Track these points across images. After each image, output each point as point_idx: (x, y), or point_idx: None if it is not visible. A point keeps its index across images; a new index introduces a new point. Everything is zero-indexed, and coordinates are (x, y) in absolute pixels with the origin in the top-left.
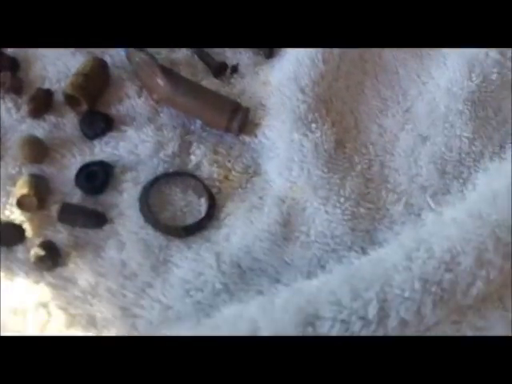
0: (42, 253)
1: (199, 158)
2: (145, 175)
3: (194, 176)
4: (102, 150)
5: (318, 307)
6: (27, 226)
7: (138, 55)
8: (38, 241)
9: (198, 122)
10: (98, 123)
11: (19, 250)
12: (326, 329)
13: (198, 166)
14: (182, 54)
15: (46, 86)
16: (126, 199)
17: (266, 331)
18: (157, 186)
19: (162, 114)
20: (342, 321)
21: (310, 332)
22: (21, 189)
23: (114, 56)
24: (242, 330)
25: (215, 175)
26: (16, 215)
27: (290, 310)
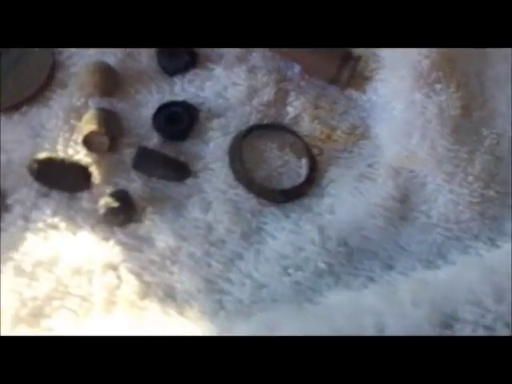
0: (113, 204)
1: (298, 110)
2: (235, 124)
3: (292, 131)
4: (184, 88)
5: (457, 307)
6: (94, 170)
7: None
8: (107, 189)
9: (297, 68)
10: (181, 57)
11: (84, 198)
12: (466, 333)
13: (296, 120)
14: None
15: None
16: (212, 150)
17: (394, 328)
18: (249, 139)
19: (253, 54)
20: (486, 326)
21: (447, 334)
22: (88, 124)
23: None
24: (364, 324)
25: (317, 133)
26: (81, 155)
27: (422, 306)
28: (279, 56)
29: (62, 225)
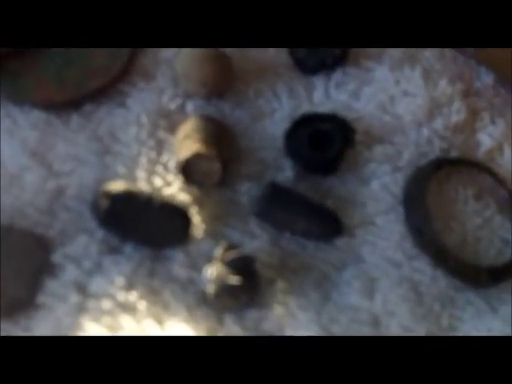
0: (231, 278)
1: (495, 140)
2: (409, 155)
3: (491, 171)
4: (329, 95)
5: None
6: (195, 214)
7: None
8: (215, 246)
9: (489, 76)
10: (325, 49)
11: (178, 260)
12: None
13: (492, 154)
14: None
15: None
16: (375, 193)
17: None
18: (435, 181)
19: (426, 54)
20: None
21: None
22: (189, 141)
23: None
24: None
25: None
26: (175, 189)
27: None
28: (462, 57)
29: (141, 305)
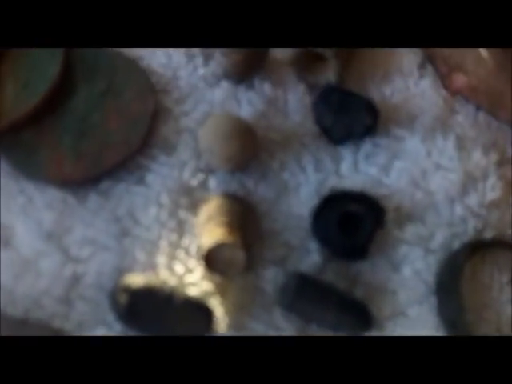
0: None
1: None
2: (442, 236)
3: None
4: (358, 167)
5: None
6: (217, 304)
7: None
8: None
9: None
10: (354, 113)
11: None
12: None
13: None
14: None
15: None
16: (408, 280)
17: None
18: (468, 265)
19: (459, 118)
20: None
21: None
22: (211, 224)
23: None
24: None
25: None
26: (196, 277)
27: None
28: (496, 122)
29: None
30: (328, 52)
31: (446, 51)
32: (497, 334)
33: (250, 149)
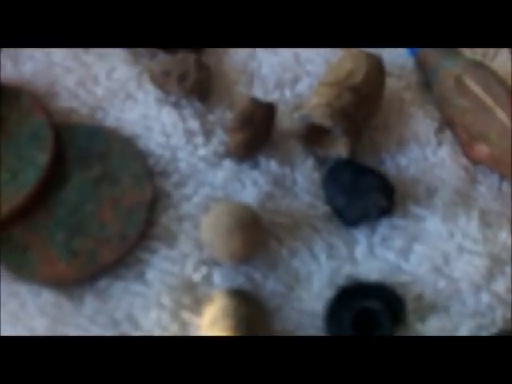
0: None
1: None
2: (466, 329)
3: None
4: (374, 252)
5: None
6: None
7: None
8: None
9: None
10: (368, 194)
11: None
12: None
13: None
14: None
15: (258, 92)
16: None
17: None
18: None
19: (481, 188)
20: None
21: None
22: (216, 329)
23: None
24: None
25: None
26: None
27: None
28: None
29: None
30: (337, 129)
31: (467, 119)
32: None
33: (255, 241)
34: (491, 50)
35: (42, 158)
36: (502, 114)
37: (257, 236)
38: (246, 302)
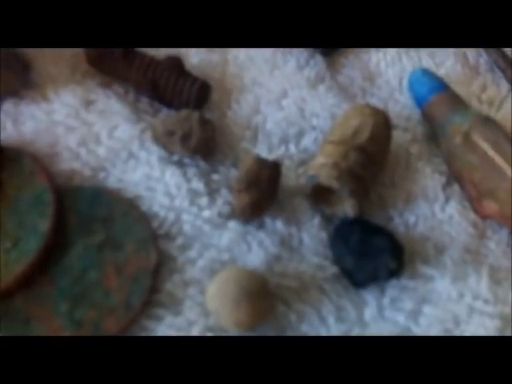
0: None
1: None
2: None
3: None
4: (384, 314)
5: None
6: None
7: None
8: None
9: None
10: (377, 256)
11: None
12: None
13: None
14: None
15: (263, 147)
16: None
17: None
18: None
19: (492, 244)
20: None
21: None
22: None
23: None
24: None
25: None
26: None
27: None
28: None
29: None
30: (344, 190)
31: (476, 176)
32: None
33: (262, 310)
34: (497, 99)
35: (44, 225)
36: (510, 172)
37: (264, 304)
38: None
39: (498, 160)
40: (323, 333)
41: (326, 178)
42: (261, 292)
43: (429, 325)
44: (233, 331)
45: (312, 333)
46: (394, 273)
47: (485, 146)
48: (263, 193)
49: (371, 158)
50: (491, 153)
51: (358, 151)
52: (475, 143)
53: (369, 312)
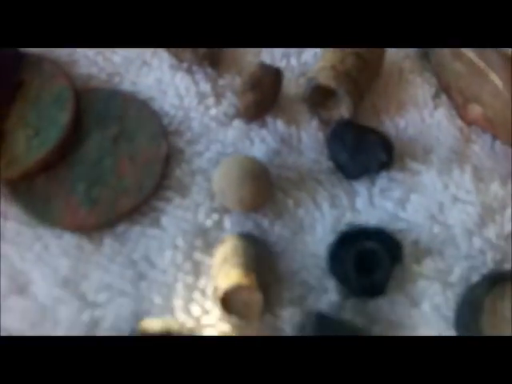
0: None
1: None
2: (461, 271)
3: None
4: (374, 203)
5: None
6: None
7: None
8: None
9: None
10: (369, 150)
11: None
12: None
13: None
14: None
15: (266, 61)
16: (426, 316)
17: None
18: (490, 300)
19: (475, 148)
20: None
21: None
22: (227, 266)
23: None
24: None
25: None
26: (213, 318)
27: None
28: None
29: None
30: (340, 90)
31: (462, 82)
32: None
33: (263, 191)
34: None
35: (64, 117)
36: (494, 77)
37: (265, 186)
38: (254, 244)
39: (482, 66)
40: (317, 217)
41: (325, 78)
42: (262, 175)
43: (415, 211)
44: (236, 210)
45: (307, 218)
46: (385, 165)
47: (470, 54)
48: (266, 94)
49: (367, 64)
50: (476, 60)
51: (355, 56)
52: (461, 52)
53: (360, 200)
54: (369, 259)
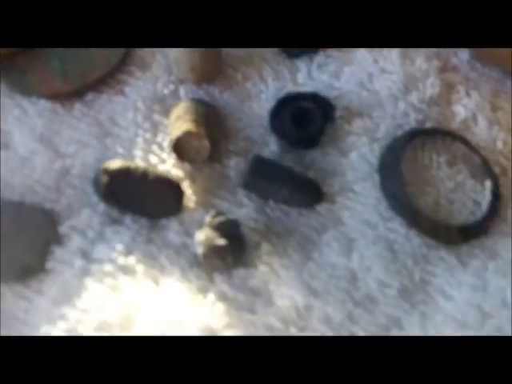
0: (217, 240)
1: (469, 111)
2: (385, 127)
3: (464, 140)
4: (312, 76)
5: None
6: (187, 188)
7: None
8: (205, 216)
9: (465, 53)
10: None
11: (172, 228)
12: None
13: (467, 124)
14: None
15: None
16: (354, 164)
17: None
18: (409, 149)
19: None
20: None
21: None
22: (180, 122)
23: None
24: None
25: (498, 144)
26: (168, 166)
27: None
28: None
29: (140, 268)
30: None
31: None
32: (434, 207)
33: (213, 61)
34: None
35: None
36: None
37: (214, 56)
38: (205, 106)
39: None
40: (262, 89)
41: None
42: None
43: (347, 81)
44: (189, 79)
45: (254, 89)
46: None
47: None
48: None
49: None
50: None
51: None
52: None
53: (300, 75)
54: (304, 116)
